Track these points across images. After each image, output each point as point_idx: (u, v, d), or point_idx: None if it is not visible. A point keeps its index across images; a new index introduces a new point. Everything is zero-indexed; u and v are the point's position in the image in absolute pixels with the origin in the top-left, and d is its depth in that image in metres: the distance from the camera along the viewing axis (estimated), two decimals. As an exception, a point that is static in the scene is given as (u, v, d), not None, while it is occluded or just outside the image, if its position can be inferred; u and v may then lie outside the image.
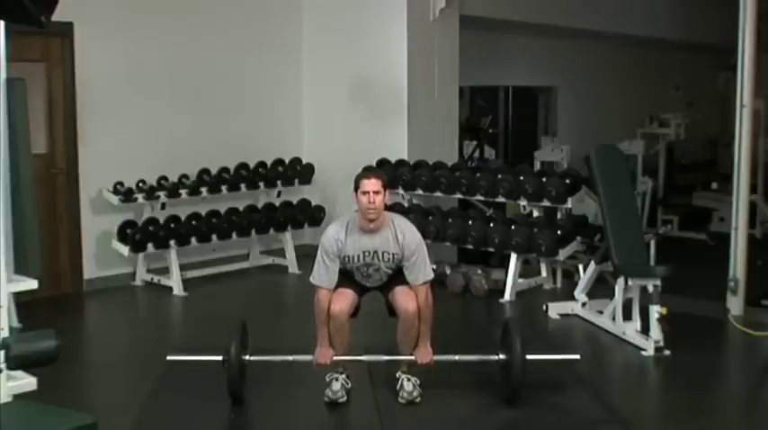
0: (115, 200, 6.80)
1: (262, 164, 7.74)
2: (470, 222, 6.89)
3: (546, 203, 6.65)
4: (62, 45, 6.68)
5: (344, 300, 4.27)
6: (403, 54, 7.70)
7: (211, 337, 4.92)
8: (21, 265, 4.47)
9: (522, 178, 6.74)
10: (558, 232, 6.46)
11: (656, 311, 5.21)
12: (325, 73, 8.27)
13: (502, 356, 4.31)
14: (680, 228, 9.76)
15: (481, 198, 7.06)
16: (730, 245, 6.12)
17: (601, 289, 6.16)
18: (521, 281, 6.77)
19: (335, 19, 8.20)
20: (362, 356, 4.45)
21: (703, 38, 11.86)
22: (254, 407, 4.39)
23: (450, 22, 8.07)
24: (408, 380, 4.36)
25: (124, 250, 6.75)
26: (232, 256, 7.70)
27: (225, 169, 7.44)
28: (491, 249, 6.83)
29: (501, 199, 6.90)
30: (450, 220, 6.99)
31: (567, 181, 6.54)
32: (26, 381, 4.21)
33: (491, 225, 6.78)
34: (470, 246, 6.96)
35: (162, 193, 7.01)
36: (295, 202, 7.88)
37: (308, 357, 4.33)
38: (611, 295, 5.71)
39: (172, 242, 6.91)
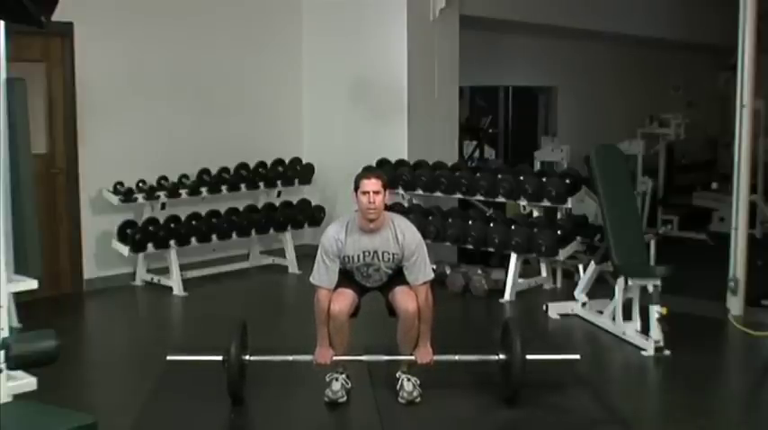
0: (115, 200, 6.80)
1: (262, 164, 7.74)
2: (470, 222, 6.89)
3: (546, 203, 6.65)
4: (62, 45, 6.68)
5: (344, 300, 4.27)
6: (403, 54, 7.70)
7: (211, 337, 4.92)
8: (21, 265, 4.47)
9: (522, 178, 6.74)
10: (558, 232, 6.46)
11: (656, 311, 5.21)
12: (325, 73, 8.27)
13: (502, 356, 4.30)
14: (680, 228, 9.76)
15: (481, 198, 7.06)
16: (730, 245, 6.12)
17: (601, 289, 6.16)
18: (521, 281, 6.77)
19: (335, 19, 8.20)
20: (362, 356, 4.45)
21: (703, 38, 11.85)
22: (254, 407, 4.39)
23: (450, 22, 8.07)
24: (408, 380, 4.36)
25: (124, 250, 6.75)
26: (232, 256, 7.71)
27: (225, 169, 7.44)
28: (491, 249, 6.83)
29: (501, 199, 6.89)
30: (450, 220, 6.99)
31: (567, 181, 6.54)
32: (26, 381, 4.21)
33: (491, 225, 6.77)
34: (470, 246, 6.96)
35: (162, 193, 7.01)
36: (295, 202, 7.87)
37: (307, 357, 4.33)
38: (611, 295, 5.71)
39: (172, 242, 6.91)
